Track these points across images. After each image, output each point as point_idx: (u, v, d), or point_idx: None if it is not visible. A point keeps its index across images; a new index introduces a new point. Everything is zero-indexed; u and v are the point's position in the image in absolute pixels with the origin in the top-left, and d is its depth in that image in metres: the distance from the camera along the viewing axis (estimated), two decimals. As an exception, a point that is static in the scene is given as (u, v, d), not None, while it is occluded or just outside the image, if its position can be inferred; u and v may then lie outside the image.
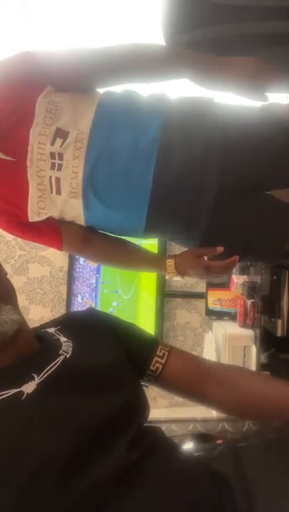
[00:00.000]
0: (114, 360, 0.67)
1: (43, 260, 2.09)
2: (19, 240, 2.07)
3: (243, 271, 1.79)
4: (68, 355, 0.63)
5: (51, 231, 0.88)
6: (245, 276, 1.69)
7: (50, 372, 0.59)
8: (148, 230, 0.88)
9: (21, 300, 2.05)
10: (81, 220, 0.86)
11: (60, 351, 0.63)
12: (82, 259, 2.02)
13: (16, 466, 0.50)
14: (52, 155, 0.79)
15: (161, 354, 0.72)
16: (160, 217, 0.84)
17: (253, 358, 1.59)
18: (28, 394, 0.56)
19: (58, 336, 0.68)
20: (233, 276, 1.73)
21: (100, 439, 0.56)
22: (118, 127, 0.80)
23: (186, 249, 0.95)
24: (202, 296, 1.99)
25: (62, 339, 0.67)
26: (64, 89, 0.80)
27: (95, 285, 2.01)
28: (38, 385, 0.57)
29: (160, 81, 0.84)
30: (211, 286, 1.94)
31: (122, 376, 0.66)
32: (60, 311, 2.07)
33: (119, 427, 0.59)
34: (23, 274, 2.07)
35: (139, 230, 0.87)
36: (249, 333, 1.64)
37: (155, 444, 0.61)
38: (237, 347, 1.63)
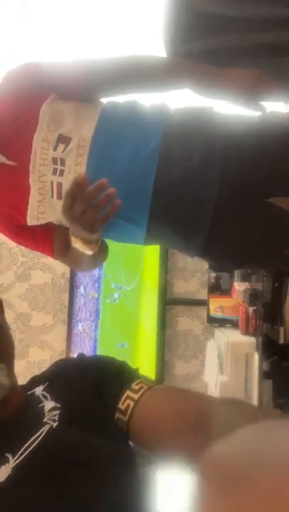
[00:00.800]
0: (112, 434, 0.53)
1: (45, 267, 2.10)
2: (22, 247, 2.07)
3: (244, 278, 1.79)
4: (54, 425, 0.51)
5: (44, 237, 0.89)
6: (247, 284, 1.69)
7: (28, 451, 0.47)
8: (149, 238, 0.88)
9: (23, 307, 2.05)
10: None
11: (46, 419, 0.52)
12: None
13: None
14: (54, 160, 0.80)
15: (137, 388, 0.55)
16: (160, 226, 0.84)
17: (255, 366, 1.58)
18: (1, 482, 0.45)
19: (44, 402, 0.55)
20: (235, 284, 1.73)
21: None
22: (120, 136, 0.81)
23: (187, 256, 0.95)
24: (204, 303, 1.98)
25: (48, 405, 0.55)
26: (68, 98, 0.82)
27: (97, 276, 2.01)
28: (12, 469, 0.46)
29: (162, 91, 0.86)
30: (212, 293, 1.94)
31: (111, 452, 0.51)
32: (61, 317, 2.07)
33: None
34: (26, 280, 2.07)
35: (139, 237, 0.88)
36: (251, 340, 1.64)
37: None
38: (239, 354, 1.62)
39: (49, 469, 0.47)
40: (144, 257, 1.99)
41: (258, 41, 0.80)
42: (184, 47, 0.86)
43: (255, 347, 1.61)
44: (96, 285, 2.03)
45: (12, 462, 0.46)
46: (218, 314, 1.89)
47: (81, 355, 0.66)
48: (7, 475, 0.45)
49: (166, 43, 0.94)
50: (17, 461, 0.46)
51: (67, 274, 2.06)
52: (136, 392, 0.55)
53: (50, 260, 2.09)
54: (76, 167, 0.79)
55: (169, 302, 2.02)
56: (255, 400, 1.55)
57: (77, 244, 0.81)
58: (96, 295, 2.03)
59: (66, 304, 2.06)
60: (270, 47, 0.80)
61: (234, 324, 1.83)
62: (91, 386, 0.57)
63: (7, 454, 0.47)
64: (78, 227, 0.75)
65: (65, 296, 2.06)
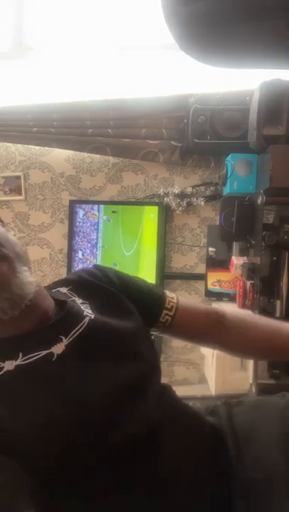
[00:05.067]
0: (133, 320, 0.68)
1: (42, 242, 2.09)
2: (18, 222, 2.06)
3: (242, 252, 1.79)
4: (93, 316, 0.64)
5: None
6: (245, 258, 1.69)
7: (77, 334, 0.60)
8: None
9: (22, 282, 2.05)
10: None
11: (85, 313, 0.64)
12: (81, 213, 2.01)
13: (55, 421, 0.53)
14: None
15: (169, 307, 0.75)
16: None
17: (239, 310, 1.60)
18: (58, 355, 0.57)
19: (73, 297, 0.69)
20: (233, 258, 1.73)
21: (128, 397, 0.59)
22: None
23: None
24: (202, 277, 1.99)
25: (78, 300, 0.68)
26: None
27: (95, 241, 2.01)
28: (66, 346, 0.58)
29: None
30: (210, 267, 1.95)
31: (142, 336, 0.68)
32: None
33: (144, 385, 0.62)
34: (23, 256, 2.06)
35: None
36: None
37: (170, 401, 0.68)
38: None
39: (95, 346, 0.61)
40: (142, 232, 1.98)
41: (264, 3, 0.75)
42: (183, 8, 0.81)
43: (252, 320, 1.63)
44: (94, 250, 2.02)
45: (65, 341, 0.59)
46: (216, 288, 1.90)
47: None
48: (62, 349, 0.58)
49: (164, 6, 0.89)
50: (69, 341, 0.59)
51: (65, 250, 2.05)
52: (170, 310, 0.75)
53: (47, 235, 2.08)
54: None
55: (167, 276, 2.03)
56: (250, 371, 1.59)
57: None
58: (94, 261, 2.03)
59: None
60: (278, 10, 0.75)
61: (231, 298, 1.85)
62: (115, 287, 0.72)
63: (61, 336, 0.59)
64: None
65: (63, 271, 2.06)
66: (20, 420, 0.52)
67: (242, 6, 0.73)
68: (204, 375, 1.89)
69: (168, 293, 0.78)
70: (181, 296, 0.79)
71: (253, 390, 1.54)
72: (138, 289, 0.75)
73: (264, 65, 1.07)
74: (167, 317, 0.75)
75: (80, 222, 2.02)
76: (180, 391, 0.75)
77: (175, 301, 0.77)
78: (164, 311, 0.75)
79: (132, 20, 1.89)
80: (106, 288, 0.72)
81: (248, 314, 0.86)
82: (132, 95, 1.88)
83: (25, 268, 0.59)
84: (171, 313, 0.75)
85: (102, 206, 2.00)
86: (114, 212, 1.99)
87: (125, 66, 1.95)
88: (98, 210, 1.99)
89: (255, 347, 0.80)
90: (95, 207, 2.00)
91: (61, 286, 0.72)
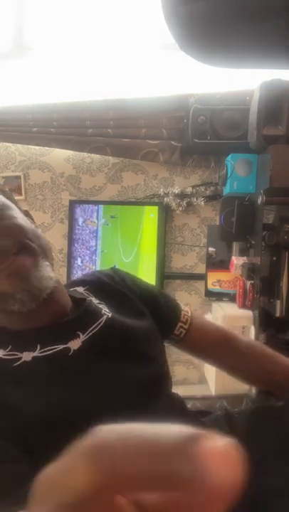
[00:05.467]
0: (148, 324, 0.69)
1: (42, 242, 2.08)
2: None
3: (242, 252, 1.79)
4: (110, 315, 0.65)
5: None
6: (245, 258, 1.69)
7: (94, 331, 0.61)
8: None
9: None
10: None
11: (102, 311, 0.65)
12: (80, 220, 2.01)
13: (69, 413, 0.53)
14: None
15: (184, 320, 0.76)
16: None
17: (251, 338, 1.61)
18: (74, 350, 0.58)
19: (90, 297, 0.69)
20: (233, 258, 1.73)
21: (141, 398, 0.59)
22: None
23: None
24: (202, 277, 1.99)
25: (95, 300, 0.68)
26: None
27: (94, 247, 2.01)
28: (83, 342, 0.59)
29: None
30: (210, 267, 1.95)
31: (156, 342, 0.70)
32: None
33: (157, 387, 0.63)
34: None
35: None
36: (248, 313, 1.66)
37: (182, 409, 0.68)
38: (236, 327, 1.64)
39: (112, 344, 0.62)
40: (142, 232, 1.98)
41: (265, 3, 0.75)
42: (183, 8, 0.80)
43: (252, 320, 1.63)
44: (93, 257, 2.02)
45: (82, 337, 0.60)
46: (216, 288, 1.90)
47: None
48: (79, 345, 0.59)
49: (164, 5, 0.89)
50: (86, 337, 0.60)
51: (65, 250, 2.05)
52: (185, 323, 0.76)
53: (47, 236, 2.07)
54: None
55: (167, 276, 2.03)
56: (251, 371, 1.59)
57: None
58: (94, 268, 2.03)
59: (64, 279, 2.06)
60: (279, 10, 0.74)
61: (231, 298, 1.85)
62: (129, 291, 0.73)
63: (78, 332, 0.60)
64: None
65: (63, 272, 2.06)
66: (36, 406, 0.53)
67: (242, 5, 0.73)
68: (204, 375, 1.89)
69: (182, 306, 0.78)
70: (193, 311, 0.79)
71: (253, 390, 1.54)
72: (154, 298, 0.75)
73: (264, 65, 1.07)
74: (182, 330, 0.75)
75: (79, 230, 2.02)
76: (180, 391, 0.75)
77: (189, 315, 0.77)
78: (179, 324, 0.75)
79: (132, 20, 1.89)
80: (122, 291, 0.72)
81: (259, 344, 0.84)
82: (132, 95, 1.88)
83: (47, 263, 0.59)
84: (186, 327, 0.76)
85: (101, 211, 2.00)
86: (112, 217, 1.98)
87: (125, 66, 1.95)
88: (97, 218, 1.99)
89: (262, 379, 0.80)
90: (94, 214, 1.99)
91: (78, 286, 0.73)
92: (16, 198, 2.27)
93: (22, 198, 2.03)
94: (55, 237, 2.07)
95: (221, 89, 1.81)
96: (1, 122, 1.89)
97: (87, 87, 1.94)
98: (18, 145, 2.00)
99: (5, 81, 1.99)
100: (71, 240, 2.02)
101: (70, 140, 1.91)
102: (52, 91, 1.94)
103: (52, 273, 0.59)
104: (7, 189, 2.01)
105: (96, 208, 2.00)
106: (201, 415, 0.78)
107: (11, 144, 2.00)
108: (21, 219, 0.60)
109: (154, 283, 1.95)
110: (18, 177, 2.02)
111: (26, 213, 0.68)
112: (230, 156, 1.74)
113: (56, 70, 1.98)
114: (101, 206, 2.00)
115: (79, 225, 2.01)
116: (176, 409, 0.65)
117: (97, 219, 1.99)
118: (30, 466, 0.47)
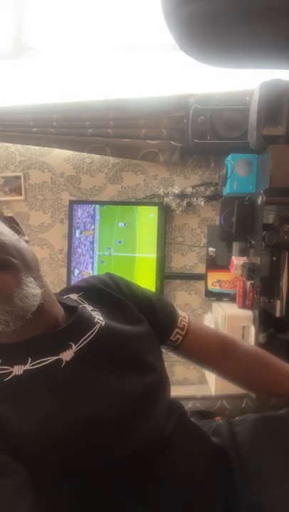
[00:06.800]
0: (144, 329, 0.68)
1: (42, 243, 2.09)
2: (18, 222, 2.05)
3: (242, 252, 1.79)
4: (103, 323, 0.63)
5: None
6: (245, 258, 1.69)
7: (87, 340, 0.60)
8: None
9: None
10: None
11: (96, 319, 0.63)
12: (77, 232, 2.01)
13: (62, 427, 0.52)
14: None
15: (181, 326, 0.74)
16: None
17: (251, 338, 1.61)
18: (66, 361, 0.57)
19: (84, 304, 0.67)
20: (233, 258, 1.73)
21: (138, 408, 0.58)
22: None
23: None
24: (202, 277, 1.99)
25: (88, 307, 0.67)
26: None
27: (92, 259, 2.01)
28: (75, 353, 0.58)
29: None
30: (210, 267, 1.95)
31: (154, 347, 0.68)
32: (60, 293, 2.08)
33: (155, 396, 0.62)
34: (23, 256, 2.06)
35: None
36: (248, 313, 1.66)
37: (181, 415, 0.66)
38: (236, 327, 1.65)
39: (106, 353, 0.60)
40: (142, 232, 1.98)
41: (268, 3, 0.74)
42: (184, 8, 0.80)
43: (252, 320, 1.63)
44: (89, 266, 2.03)
45: (74, 348, 0.58)
46: (216, 288, 1.90)
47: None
48: (71, 356, 0.57)
49: (164, 6, 0.88)
50: (78, 347, 0.58)
51: (65, 250, 2.05)
52: (182, 329, 0.74)
53: (47, 236, 2.08)
54: None
55: (167, 276, 2.03)
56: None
57: None
58: (93, 268, 2.03)
59: (64, 279, 2.06)
60: (280, 10, 0.74)
61: (231, 298, 1.85)
62: (123, 296, 0.71)
63: (70, 342, 0.59)
64: None
65: (63, 272, 2.06)
66: (29, 424, 0.51)
67: (243, 6, 0.72)
68: (204, 375, 1.89)
69: (179, 311, 0.76)
70: (191, 316, 0.78)
71: (253, 390, 1.54)
72: (150, 304, 0.73)
73: (264, 65, 1.07)
74: (178, 336, 0.74)
75: (74, 244, 2.02)
76: (180, 391, 0.75)
77: (187, 320, 0.75)
78: (176, 330, 0.73)
79: (132, 20, 1.89)
80: (116, 296, 0.71)
81: (260, 352, 0.82)
82: (132, 95, 1.88)
83: (31, 279, 0.56)
84: (183, 333, 0.74)
85: (98, 216, 2.00)
86: (109, 214, 1.98)
87: (125, 66, 1.95)
88: (94, 228, 2.00)
89: (260, 386, 0.78)
90: (92, 221, 1.99)
91: (72, 293, 0.71)
92: (16, 198, 2.26)
93: (22, 198, 2.03)
94: (55, 237, 2.07)
95: (221, 89, 1.81)
96: (1, 122, 1.89)
97: (87, 87, 1.94)
98: (18, 145, 2.00)
99: (5, 81, 1.99)
100: (71, 240, 2.02)
101: (70, 140, 1.91)
102: (52, 91, 1.94)
103: (37, 289, 0.56)
104: (7, 190, 2.01)
105: (92, 221, 2.00)
106: (201, 416, 0.77)
107: (10, 144, 2.00)
108: (2, 234, 0.58)
109: (154, 283, 1.95)
110: (18, 177, 2.02)
111: (11, 220, 0.66)
112: (230, 156, 1.74)
113: (56, 70, 1.98)
114: (97, 215, 2.00)
115: (76, 237, 2.02)
116: (175, 416, 0.64)
117: (94, 231, 2.00)
118: (30, 479, 0.46)
